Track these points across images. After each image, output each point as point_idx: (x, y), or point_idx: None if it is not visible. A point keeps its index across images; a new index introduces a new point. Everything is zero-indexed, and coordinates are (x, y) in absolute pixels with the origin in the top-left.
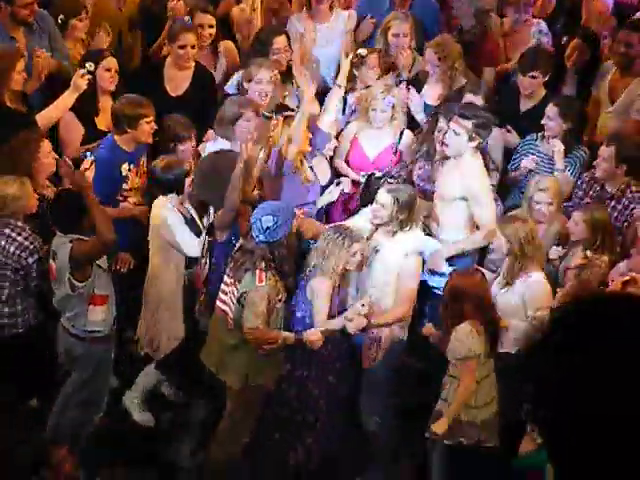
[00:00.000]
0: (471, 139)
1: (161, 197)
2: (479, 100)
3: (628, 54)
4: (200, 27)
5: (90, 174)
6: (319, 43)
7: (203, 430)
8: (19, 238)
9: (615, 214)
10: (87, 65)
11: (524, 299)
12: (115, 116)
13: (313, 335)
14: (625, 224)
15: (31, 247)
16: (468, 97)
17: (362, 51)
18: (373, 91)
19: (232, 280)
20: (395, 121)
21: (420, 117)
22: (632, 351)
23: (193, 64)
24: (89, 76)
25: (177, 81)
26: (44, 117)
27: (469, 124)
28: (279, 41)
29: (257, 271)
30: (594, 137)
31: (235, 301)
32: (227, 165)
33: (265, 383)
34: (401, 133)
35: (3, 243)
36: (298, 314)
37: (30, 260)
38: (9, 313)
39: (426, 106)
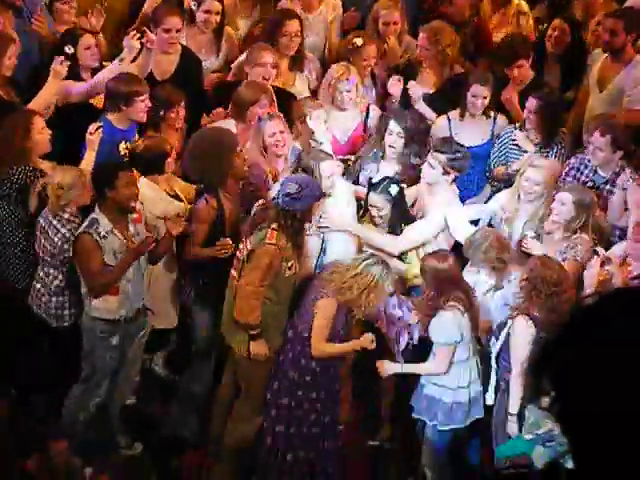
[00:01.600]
0: (445, 172)
1: (143, 178)
2: (486, 91)
3: (613, 42)
4: (207, 13)
5: (96, 139)
6: (305, 33)
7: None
8: (63, 230)
9: (612, 197)
10: (66, 48)
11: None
12: (110, 94)
13: None
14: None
15: (72, 239)
16: (476, 88)
17: (358, 40)
18: (333, 74)
19: (245, 242)
20: (358, 100)
21: (420, 107)
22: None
23: (179, 48)
24: (67, 62)
25: (163, 65)
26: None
27: (443, 158)
28: (290, 25)
29: (269, 230)
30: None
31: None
32: (219, 142)
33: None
34: (367, 110)
35: (50, 234)
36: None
37: (71, 252)
38: (58, 304)
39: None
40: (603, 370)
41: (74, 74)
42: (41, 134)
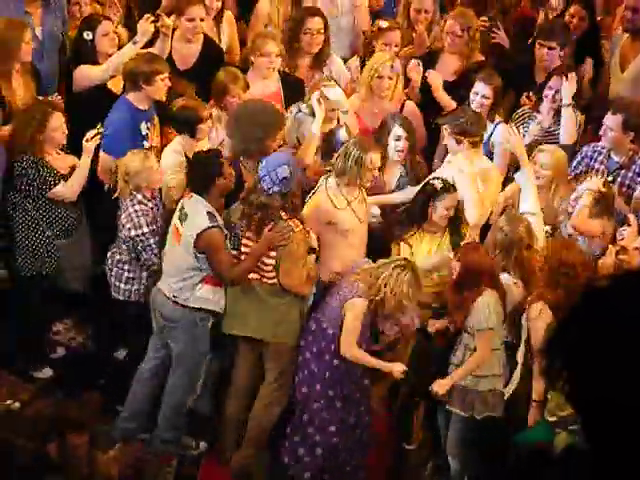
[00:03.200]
0: (459, 142)
1: (176, 137)
2: (489, 91)
3: (635, 21)
4: None
5: (92, 146)
6: (332, 13)
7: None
8: (130, 209)
9: (627, 182)
10: (84, 34)
11: None
12: (130, 74)
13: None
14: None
15: (135, 220)
16: (478, 85)
17: (382, 23)
18: (379, 58)
19: (255, 238)
20: (396, 92)
21: (441, 95)
22: None
23: (202, 37)
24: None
25: (185, 55)
26: None
27: (447, 128)
28: (312, 22)
29: (287, 221)
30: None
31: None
32: (257, 114)
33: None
34: (402, 104)
35: (121, 211)
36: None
37: (132, 233)
38: (117, 275)
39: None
40: (613, 352)
41: (92, 60)
42: (56, 131)
